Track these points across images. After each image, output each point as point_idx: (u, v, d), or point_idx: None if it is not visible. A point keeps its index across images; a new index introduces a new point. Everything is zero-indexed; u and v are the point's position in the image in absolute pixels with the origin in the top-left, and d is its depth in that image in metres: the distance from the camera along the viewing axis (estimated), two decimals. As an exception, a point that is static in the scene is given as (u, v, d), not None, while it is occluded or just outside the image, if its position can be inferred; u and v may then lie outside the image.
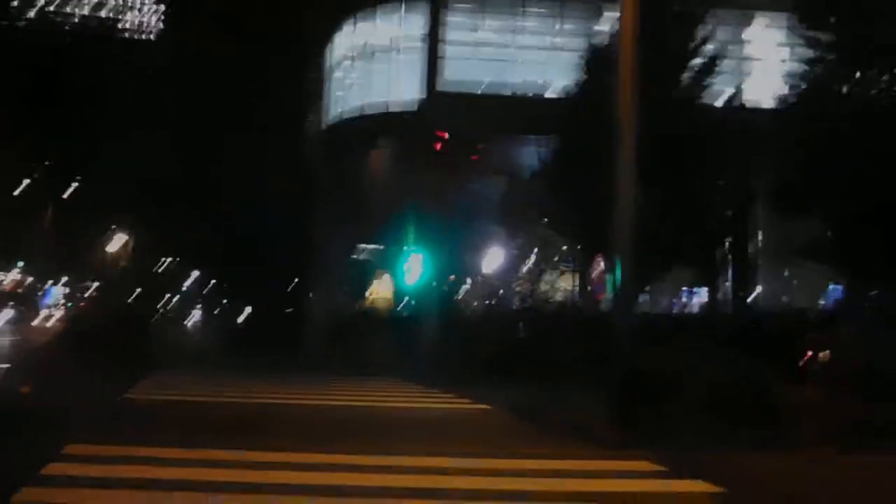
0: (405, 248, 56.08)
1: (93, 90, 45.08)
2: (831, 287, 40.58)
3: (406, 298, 57.85)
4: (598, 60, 21.88)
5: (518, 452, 8.12)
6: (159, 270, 79.35)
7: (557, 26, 31.92)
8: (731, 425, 9.40)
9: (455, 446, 8.43)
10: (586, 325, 21.34)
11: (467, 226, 34.63)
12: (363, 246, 58.25)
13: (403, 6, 33.09)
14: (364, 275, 58.84)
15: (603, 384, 10.42)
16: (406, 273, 20.97)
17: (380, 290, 57.07)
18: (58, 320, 43.06)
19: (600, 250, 21.11)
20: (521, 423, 11.16)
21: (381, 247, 62.66)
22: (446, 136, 17.35)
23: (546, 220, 26.36)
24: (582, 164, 21.67)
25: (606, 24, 30.98)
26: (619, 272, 10.55)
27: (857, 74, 20.33)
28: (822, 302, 36.76)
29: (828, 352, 15.87)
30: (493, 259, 27.18)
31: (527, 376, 16.84)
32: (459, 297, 41.87)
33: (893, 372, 12.21)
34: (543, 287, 27.87)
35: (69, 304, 53.24)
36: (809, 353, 16.00)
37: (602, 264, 19.62)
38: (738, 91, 22.99)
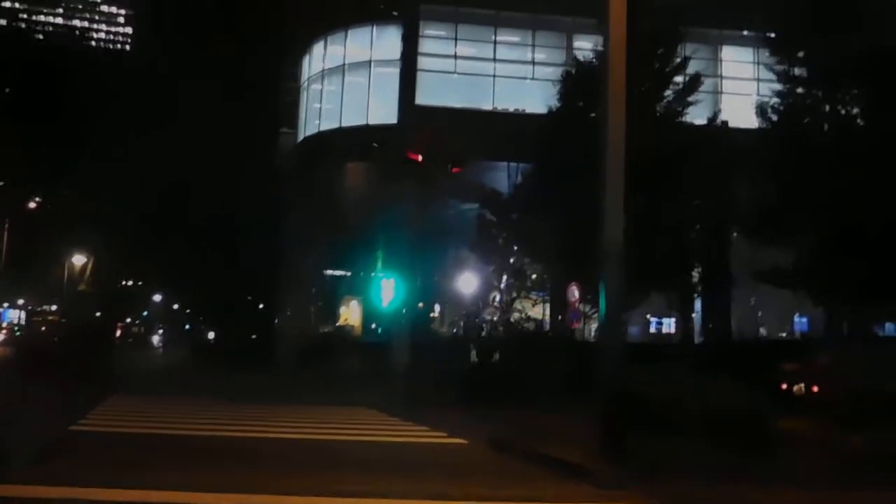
0: (377, 271, 55.48)
1: (58, 102, 43.81)
2: (797, 318, 41.02)
3: (373, 324, 57.10)
4: (573, 82, 21.69)
5: (503, 496, 7.45)
6: (122, 292, 77.46)
7: (529, 53, 31.89)
8: (727, 456, 8.91)
9: (434, 488, 7.69)
10: (561, 351, 20.98)
11: (440, 249, 34.12)
12: (330, 272, 57.46)
13: (374, 27, 32.86)
14: (333, 298, 57.94)
15: (585, 412, 9.90)
16: (379, 296, 20.22)
17: (349, 315, 56.29)
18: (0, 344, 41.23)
19: (575, 276, 20.69)
20: (502, 459, 10.47)
21: (349, 273, 62.03)
22: (424, 151, 16.68)
23: (518, 244, 25.87)
24: (559, 186, 21.40)
25: (579, 49, 31.33)
26: (604, 296, 10.03)
27: (829, 97, 20.56)
28: (783, 333, 37.09)
29: (806, 381, 15.73)
30: (465, 284, 26.55)
31: (501, 403, 16.27)
32: (432, 322, 41.26)
33: (880, 401, 11.96)
34: (515, 314, 27.31)
35: (15, 327, 51.18)
36: (797, 382, 15.82)
37: (577, 292, 19.13)
38: (717, 112, 22.88)
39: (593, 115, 21.48)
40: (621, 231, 10.02)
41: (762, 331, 36.34)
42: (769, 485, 7.77)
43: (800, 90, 20.59)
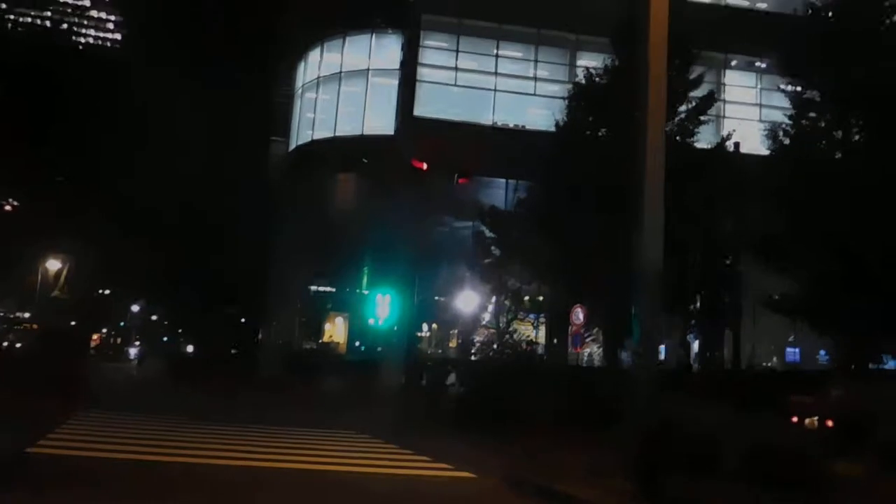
0: (370, 287, 54.22)
1: (40, 106, 42.38)
2: (789, 349, 40.24)
3: (357, 342, 55.70)
4: (582, 97, 20.84)
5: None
6: (99, 300, 75.38)
7: (531, 68, 31.15)
8: (777, 500, 7.85)
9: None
10: (560, 377, 19.90)
11: (432, 267, 32.98)
12: (315, 288, 56.02)
13: (374, 35, 31.99)
14: (318, 314, 56.47)
15: (596, 443, 8.81)
16: (374, 312, 19.09)
17: (334, 332, 54.85)
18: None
19: (578, 298, 19.70)
20: (522, 499, 9.31)
21: (333, 289, 60.60)
22: (429, 159, 15.70)
23: (517, 263, 24.84)
24: (564, 205, 20.47)
25: (582, 66, 30.64)
26: (638, 321, 9.02)
27: (840, 122, 19.91)
28: (769, 363, 36.27)
29: (819, 415, 14.83)
30: (462, 303, 25.34)
31: (500, 430, 15.24)
32: (421, 341, 40.00)
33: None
34: (510, 336, 26.19)
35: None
36: (810, 415, 14.91)
37: (581, 315, 18.10)
38: (729, 134, 22.07)
39: (602, 132, 20.70)
40: (660, 253, 9.11)
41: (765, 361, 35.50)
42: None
43: (812, 114, 19.93)
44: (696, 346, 30.12)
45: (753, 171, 21.13)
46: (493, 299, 26.11)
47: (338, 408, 21.68)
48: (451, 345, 46.77)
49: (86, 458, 10.00)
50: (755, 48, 27.43)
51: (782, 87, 20.17)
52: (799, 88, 20.23)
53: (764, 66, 29.93)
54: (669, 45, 19.62)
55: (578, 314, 18.33)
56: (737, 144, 20.91)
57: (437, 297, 39.88)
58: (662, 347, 34.86)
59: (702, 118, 20.53)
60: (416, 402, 19.99)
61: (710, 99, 20.92)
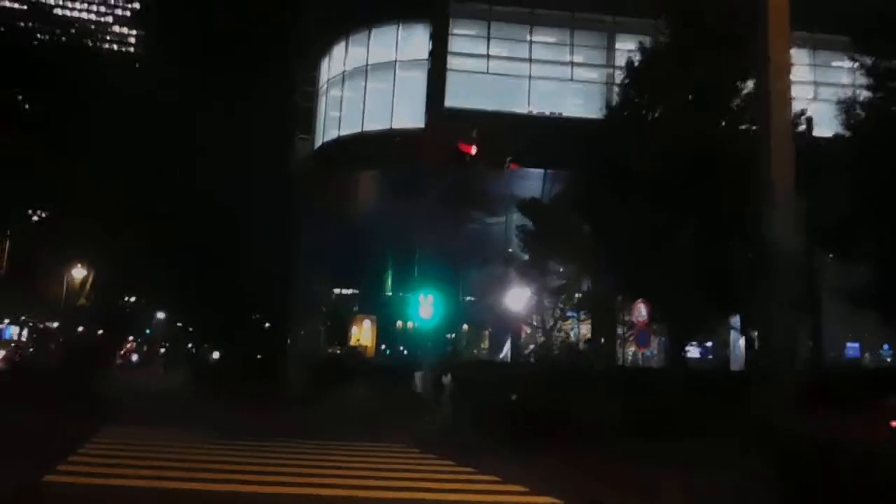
0: (397, 288, 52.73)
1: (58, 109, 41.46)
2: (849, 344, 38.08)
3: (382, 346, 54.28)
4: (636, 75, 19.17)
5: None
6: (124, 308, 74.89)
7: (567, 53, 29.54)
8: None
9: None
10: (619, 381, 18.33)
11: (465, 266, 31.49)
12: (340, 291, 54.86)
13: (400, 26, 30.57)
14: (344, 318, 55.28)
15: (681, 458, 7.22)
16: (417, 313, 17.68)
17: (361, 335, 53.61)
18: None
19: (634, 294, 18.08)
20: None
21: (356, 291, 59.19)
22: (478, 142, 14.24)
23: (564, 257, 23.25)
24: (617, 192, 18.87)
25: (621, 50, 28.99)
26: (765, 314, 7.48)
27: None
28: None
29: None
30: (509, 302, 23.61)
31: (557, 442, 13.72)
32: (451, 344, 38.58)
33: None
34: (558, 335, 24.63)
35: (12, 344, 48.56)
36: None
37: (644, 311, 16.46)
38: (802, 111, 20.14)
39: (657, 113, 19.05)
40: (792, 235, 7.53)
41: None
42: None
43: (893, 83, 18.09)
44: (741, 343, 28.29)
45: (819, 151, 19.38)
46: (535, 297, 24.46)
47: (376, 418, 20.29)
48: (483, 346, 45.29)
49: (108, 487, 8.66)
50: (810, 22, 25.54)
51: (857, 58, 18.30)
52: (871, 60, 18.38)
53: (818, 41, 28.05)
54: (724, 24, 18.04)
55: (641, 310, 16.71)
56: (809, 120, 19.06)
57: (467, 298, 38.40)
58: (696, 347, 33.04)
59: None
60: (460, 411, 18.53)
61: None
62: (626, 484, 9.80)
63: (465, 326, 45.34)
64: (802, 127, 18.80)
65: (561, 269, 24.37)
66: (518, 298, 21.97)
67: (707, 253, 16.85)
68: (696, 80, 17.38)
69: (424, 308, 17.57)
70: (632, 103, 19.21)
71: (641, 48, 19.12)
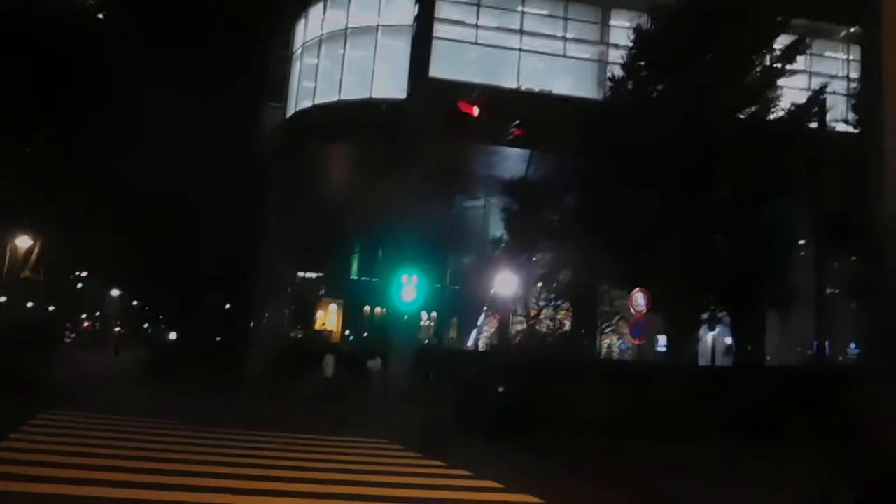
0: (362, 271, 50.78)
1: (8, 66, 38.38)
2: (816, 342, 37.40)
3: (347, 332, 52.46)
4: (643, 44, 17.62)
5: None
6: (76, 285, 71.53)
7: (560, 27, 27.91)
8: None
9: None
10: (608, 376, 16.92)
11: (442, 249, 29.82)
12: (303, 274, 52.69)
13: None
14: (310, 301, 53.14)
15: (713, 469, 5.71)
16: (399, 296, 16.01)
17: (327, 319, 51.58)
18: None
19: (637, 282, 16.63)
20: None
21: (322, 274, 57.25)
22: (481, 104, 12.54)
23: (553, 241, 21.73)
24: (616, 172, 17.40)
25: (616, 26, 27.52)
26: (877, 298, 5.96)
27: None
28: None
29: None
30: (500, 287, 21.79)
31: (550, 441, 12.45)
32: (419, 331, 36.86)
33: None
34: (543, 324, 23.14)
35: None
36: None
37: (643, 300, 15.02)
38: (820, 87, 18.79)
39: (665, 86, 17.57)
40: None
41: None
42: None
43: None
44: (726, 340, 27.28)
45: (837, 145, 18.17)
46: (520, 284, 22.83)
47: (350, 408, 18.62)
48: (452, 335, 43.71)
49: (28, 496, 6.79)
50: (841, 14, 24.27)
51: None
52: None
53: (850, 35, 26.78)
54: (760, 18, 16.55)
55: (640, 299, 15.24)
56: (822, 103, 17.73)
57: (441, 284, 36.67)
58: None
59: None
60: (441, 403, 16.92)
61: (799, 47, 17.64)
62: (658, 496, 8.36)
63: (434, 313, 43.79)
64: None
65: (545, 255, 22.86)
66: (507, 283, 20.34)
67: (715, 240, 15.56)
68: (712, 50, 15.95)
69: (407, 290, 15.91)
70: (637, 76, 17.70)
71: (652, 14, 17.60)
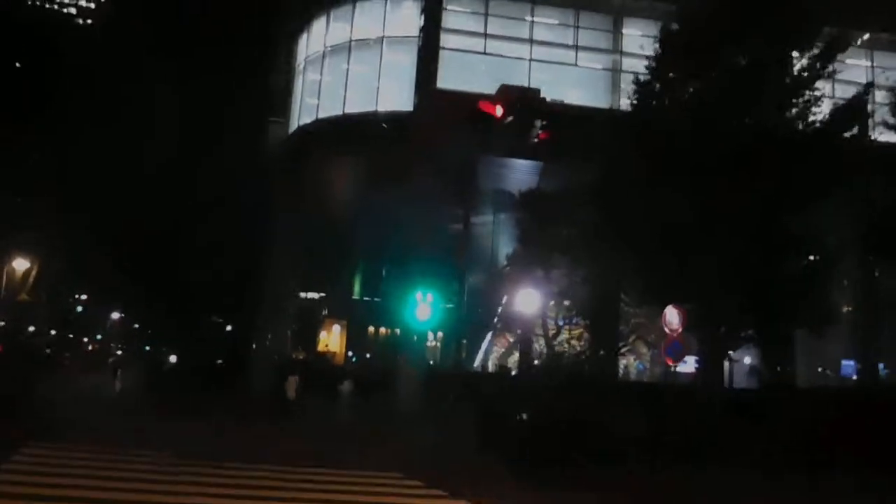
0: (366, 291, 49.67)
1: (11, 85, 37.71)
2: (845, 362, 36.20)
3: (349, 353, 51.26)
4: (674, 46, 16.62)
5: None
6: (77, 309, 70.50)
7: (571, 35, 27.08)
8: None
9: None
10: (649, 399, 15.82)
11: (465, 264, 28.83)
12: (304, 295, 51.66)
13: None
14: (313, 322, 52.01)
15: None
16: (413, 315, 15.00)
17: (330, 340, 50.43)
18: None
19: (667, 298, 15.55)
20: None
21: (325, 294, 56.17)
22: (508, 103, 11.56)
23: (570, 255, 20.67)
24: (642, 182, 16.39)
25: (629, 34, 26.67)
26: None
27: None
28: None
29: None
30: (521, 304, 20.49)
31: (591, 473, 11.33)
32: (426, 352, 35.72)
33: None
34: (562, 345, 22.04)
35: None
36: None
37: (677, 318, 13.93)
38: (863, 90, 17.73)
39: (695, 88, 16.59)
40: None
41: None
42: None
43: None
44: (745, 360, 26.09)
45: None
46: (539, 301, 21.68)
47: (361, 436, 17.44)
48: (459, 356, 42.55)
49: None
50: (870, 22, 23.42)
51: None
52: None
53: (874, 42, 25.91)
54: (794, 24, 15.62)
55: (674, 316, 14.12)
56: (864, 105, 16.69)
57: (449, 304, 35.57)
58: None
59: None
60: (459, 430, 15.80)
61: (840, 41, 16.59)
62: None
63: (440, 334, 42.72)
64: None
65: (564, 271, 21.78)
66: (529, 301, 19.17)
67: (755, 252, 14.52)
68: (745, 48, 15.02)
69: (422, 309, 14.89)
70: (664, 78, 16.75)
71: (679, 13, 16.68)
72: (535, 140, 12.36)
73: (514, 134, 12.54)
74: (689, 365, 29.81)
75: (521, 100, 12.17)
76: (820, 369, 31.99)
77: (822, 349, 28.82)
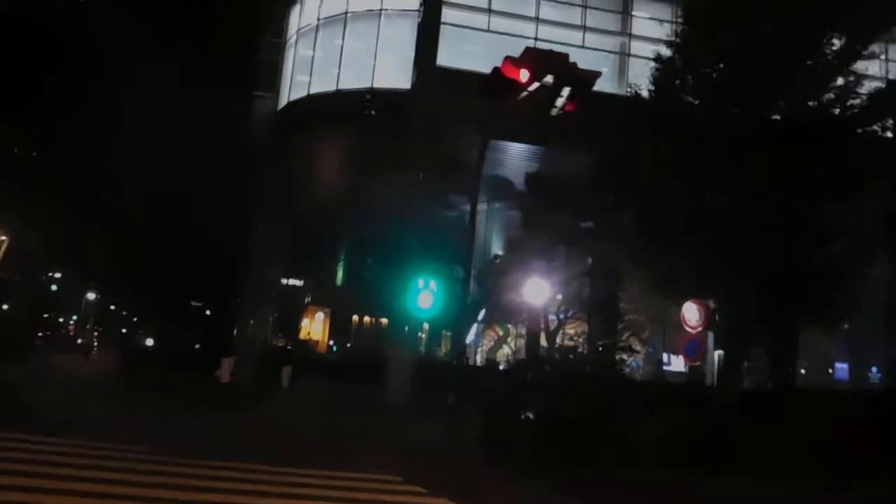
0: (349, 276, 48.38)
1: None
2: (838, 365, 35.60)
3: (331, 342, 49.97)
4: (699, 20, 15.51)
5: None
6: (51, 287, 68.47)
7: (579, 15, 25.93)
8: None
9: None
10: (654, 398, 14.83)
11: (442, 253, 27.63)
12: (286, 281, 50.34)
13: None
14: (295, 308, 50.63)
15: None
16: (415, 302, 13.88)
17: (312, 328, 49.10)
18: None
19: (686, 291, 14.48)
20: None
21: (307, 281, 54.81)
22: (535, 67, 10.35)
23: (577, 244, 19.56)
24: (657, 167, 15.31)
25: (638, 17, 25.58)
26: None
27: None
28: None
29: None
30: (530, 295, 19.32)
31: (605, 476, 10.32)
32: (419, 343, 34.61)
33: None
34: (564, 339, 20.96)
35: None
36: None
37: (698, 314, 12.85)
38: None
39: (722, 66, 15.45)
40: None
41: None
42: None
43: None
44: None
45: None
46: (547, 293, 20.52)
47: (348, 431, 16.22)
48: (443, 348, 41.46)
49: None
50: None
51: None
52: None
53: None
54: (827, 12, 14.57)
55: (694, 312, 13.08)
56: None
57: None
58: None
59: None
60: (459, 426, 14.65)
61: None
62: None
63: (426, 326, 41.57)
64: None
65: (569, 261, 20.69)
66: (537, 292, 18.00)
67: (788, 242, 13.49)
68: (775, 22, 13.92)
69: (424, 297, 13.76)
70: (686, 55, 15.62)
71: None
72: (560, 111, 11.11)
73: (535, 105, 11.18)
74: (678, 364, 29.06)
75: (552, 63, 10.85)
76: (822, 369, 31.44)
77: (820, 350, 28.22)
